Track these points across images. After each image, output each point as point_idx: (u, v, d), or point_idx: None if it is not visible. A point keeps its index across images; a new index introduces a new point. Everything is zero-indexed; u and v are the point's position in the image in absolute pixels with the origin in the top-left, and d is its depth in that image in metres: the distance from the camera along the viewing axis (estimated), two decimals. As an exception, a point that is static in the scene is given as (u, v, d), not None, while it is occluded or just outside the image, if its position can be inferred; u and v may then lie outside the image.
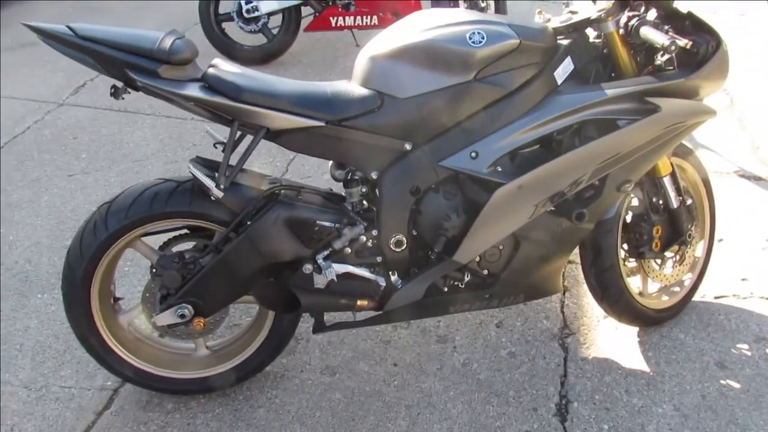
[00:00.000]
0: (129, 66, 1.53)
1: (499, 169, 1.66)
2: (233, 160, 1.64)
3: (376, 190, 1.70)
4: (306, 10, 4.29)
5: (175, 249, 1.79)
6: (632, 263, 2.08)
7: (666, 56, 1.67)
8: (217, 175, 1.63)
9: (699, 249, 2.17)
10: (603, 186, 1.76)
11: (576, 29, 1.75)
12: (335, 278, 1.70)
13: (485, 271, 1.82)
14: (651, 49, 1.73)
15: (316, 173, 3.09)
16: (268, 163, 3.19)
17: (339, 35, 4.55)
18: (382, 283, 1.76)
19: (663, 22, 1.74)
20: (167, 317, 1.72)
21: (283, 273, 1.72)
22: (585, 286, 2.06)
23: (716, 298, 2.26)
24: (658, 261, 2.09)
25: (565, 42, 1.73)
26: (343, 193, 1.74)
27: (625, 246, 2.02)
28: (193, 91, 1.55)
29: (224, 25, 4.32)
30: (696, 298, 2.22)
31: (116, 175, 3.13)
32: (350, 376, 2.01)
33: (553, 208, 1.76)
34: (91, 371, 2.03)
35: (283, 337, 1.90)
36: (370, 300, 1.77)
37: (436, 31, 1.62)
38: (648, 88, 1.68)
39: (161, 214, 1.68)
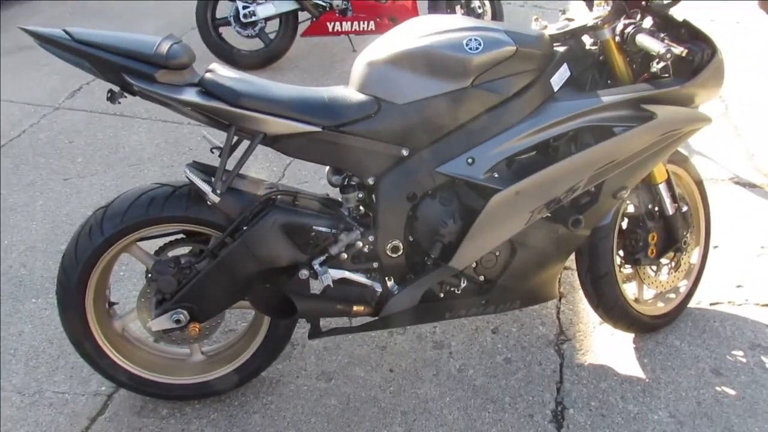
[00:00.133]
0: (126, 70, 1.53)
1: (496, 176, 1.66)
2: (230, 165, 1.64)
3: (373, 196, 1.70)
4: (303, 15, 4.30)
5: (171, 254, 1.78)
6: (628, 270, 2.09)
7: (662, 64, 1.68)
8: (213, 179, 1.62)
9: (694, 256, 2.18)
10: (599, 193, 1.77)
11: (572, 36, 1.76)
12: (331, 284, 1.70)
13: (481, 277, 1.82)
14: (647, 57, 1.74)
15: (312, 178, 3.09)
16: (264, 168, 3.19)
17: (336, 40, 4.56)
18: (379, 288, 1.76)
19: (659, 30, 1.75)
20: (162, 322, 1.71)
21: (279, 278, 1.72)
22: (581, 293, 2.06)
23: (711, 304, 2.27)
24: (654, 267, 2.10)
25: (561, 49, 1.73)
26: (340, 199, 1.75)
27: (621, 252, 2.03)
28: (191, 95, 1.55)
29: (221, 29, 4.32)
30: (691, 304, 2.22)
31: (112, 179, 3.13)
32: (346, 381, 2.00)
33: (549, 215, 1.76)
34: (85, 376, 2.02)
35: (278, 343, 1.89)
36: (367, 306, 1.77)
37: (433, 38, 1.62)
38: (644, 95, 1.69)
39: (157, 219, 1.67)
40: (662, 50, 1.60)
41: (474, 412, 1.89)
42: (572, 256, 1.95)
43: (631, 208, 2.02)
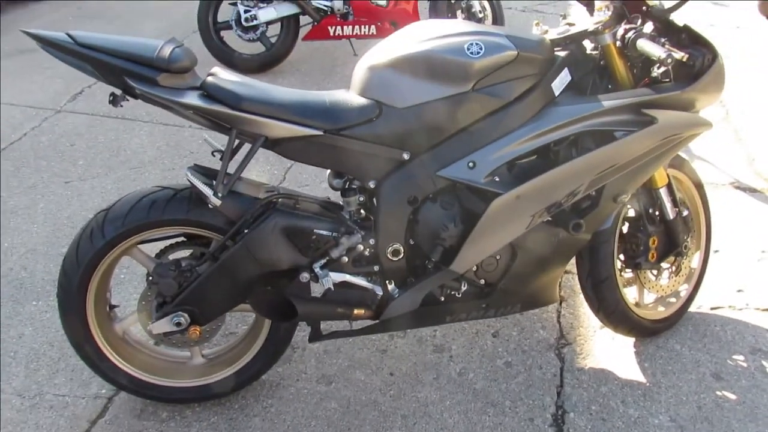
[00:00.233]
0: (128, 74, 1.53)
1: (497, 179, 1.66)
2: (231, 168, 1.64)
3: (374, 200, 1.71)
4: (304, 19, 4.31)
5: (172, 257, 1.78)
6: (629, 274, 2.09)
7: (662, 69, 1.68)
8: (214, 183, 1.63)
9: (695, 260, 2.18)
10: (600, 197, 1.77)
11: (573, 41, 1.76)
12: (332, 287, 1.70)
13: (482, 281, 1.82)
14: (647, 62, 1.74)
15: (313, 182, 3.09)
16: (265, 171, 3.20)
17: (337, 44, 4.57)
18: (379, 292, 1.76)
19: (659, 35, 1.75)
20: (163, 325, 1.72)
21: (280, 281, 1.72)
22: (581, 297, 2.06)
23: (712, 309, 2.27)
24: (655, 272, 2.10)
25: (562, 54, 1.74)
26: (341, 202, 1.75)
27: (622, 256, 2.03)
28: (192, 99, 1.55)
29: (223, 33, 4.33)
30: (692, 309, 2.22)
31: (113, 182, 3.13)
32: (346, 385, 2.00)
33: (550, 219, 1.76)
34: (85, 379, 2.02)
35: (279, 346, 1.89)
36: (367, 309, 1.77)
37: (434, 42, 1.63)
38: (644, 100, 1.69)
39: (158, 222, 1.67)
40: (663, 55, 1.60)
41: (474, 416, 1.88)
42: (573, 260, 1.95)
43: (631, 212, 2.03)
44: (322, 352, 2.12)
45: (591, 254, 1.92)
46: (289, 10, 4.20)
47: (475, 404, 1.92)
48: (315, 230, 1.68)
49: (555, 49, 1.74)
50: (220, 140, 1.67)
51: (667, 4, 1.75)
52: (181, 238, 1.81)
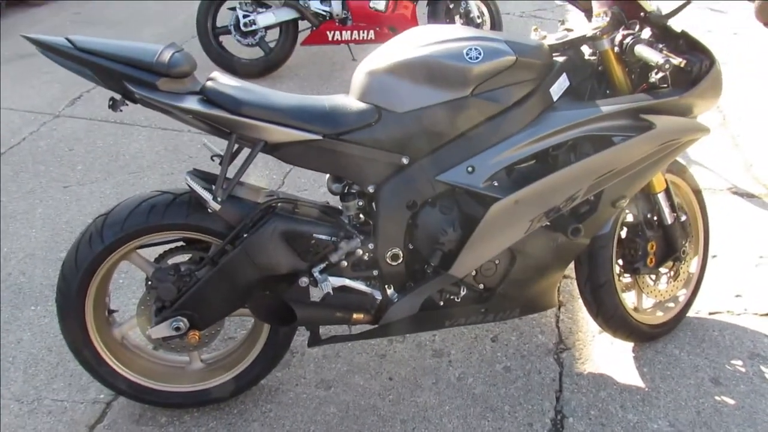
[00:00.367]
0: (127, 78, 1.53)
1: (496, 184, 1.67)
2: (230, 172, 1.65)
3: (373, 204, 1.71)
4: (303, 24, 4.33)
5: (171, 261, 1.78)
6: (627, 279, 2.09)
7: (660, 74, 1.69)
8: (214, 187, 1.63)
9: (693, 265, 2.18)
10: (598, 201, 1.77)
11: (571, 46, 1.77)
12: (331, 291, 1.70)
13: (481, 286, 1.82)
14: (645, 67, 1.75)
15: (312, 186, 3.10)
16: (264, 176, 3.20)
17: (336, 49, 4.58)
18: (378, 296, 1.76)
19: (657, 41, 1.76)
20: (162, 330, 1.71)
21: (279, 286, 1.72)
22: (580, 301, 2.06)
23: (710, 314, 2.27)
24: (653, 277, 2.11)
25: (560, 59, 1.75)
26: (340, 207, 1.75)
27: (620, 261, 2.03)
28: (192, 104, 1.56)
29: (222, 38, 4.35)
30: (690, 313, 2.23)
31: (112, 187, 3.13)
32: (345, 389, 2.00)
33: (548, 223, 1.77)
34: (84, 384, 2.01)
35: (278, 351, 1.89)
36: (366, 313, 1.77)
37: (433, 47, 1.63)
38: (642, 105, 1.70)
39: (157, 227, 1.68)
40: (661, 61, 1.61)
41: (473, 421, 1.88)
42: (571, 265, 1.96)
43: (630, 218, 2.03)
44: (321, 357, 2.12)
45: (590, 259, 1.93)
46: (288, 15, 4.22)
47: (474, 409, 1.92)
48: (314, 235, 1.68)
49: (553, 54, 1.75)
50: (220, 145, 1.67)
51: (665, 10, 1.76)
52: (181, 243, 1.81)
